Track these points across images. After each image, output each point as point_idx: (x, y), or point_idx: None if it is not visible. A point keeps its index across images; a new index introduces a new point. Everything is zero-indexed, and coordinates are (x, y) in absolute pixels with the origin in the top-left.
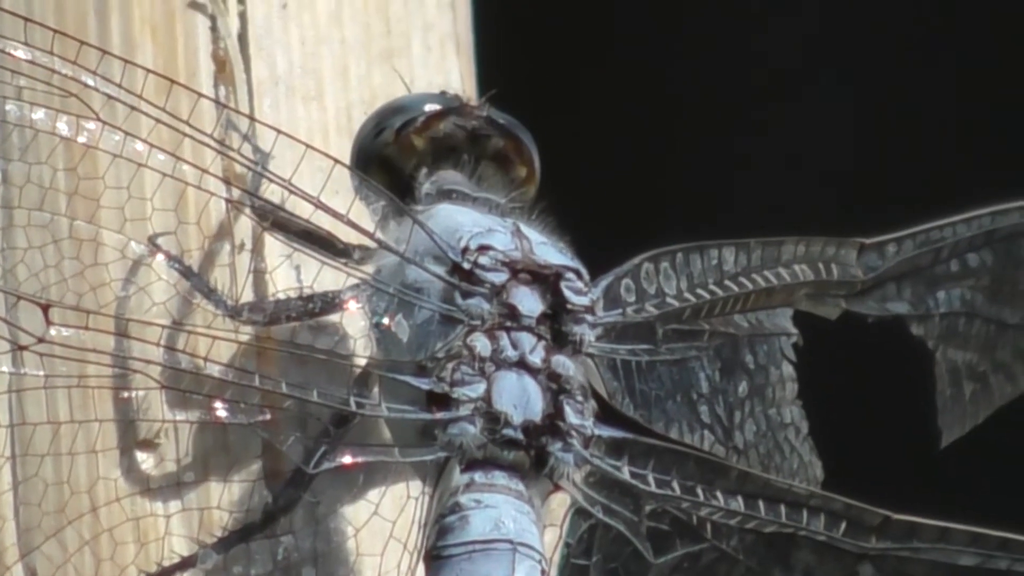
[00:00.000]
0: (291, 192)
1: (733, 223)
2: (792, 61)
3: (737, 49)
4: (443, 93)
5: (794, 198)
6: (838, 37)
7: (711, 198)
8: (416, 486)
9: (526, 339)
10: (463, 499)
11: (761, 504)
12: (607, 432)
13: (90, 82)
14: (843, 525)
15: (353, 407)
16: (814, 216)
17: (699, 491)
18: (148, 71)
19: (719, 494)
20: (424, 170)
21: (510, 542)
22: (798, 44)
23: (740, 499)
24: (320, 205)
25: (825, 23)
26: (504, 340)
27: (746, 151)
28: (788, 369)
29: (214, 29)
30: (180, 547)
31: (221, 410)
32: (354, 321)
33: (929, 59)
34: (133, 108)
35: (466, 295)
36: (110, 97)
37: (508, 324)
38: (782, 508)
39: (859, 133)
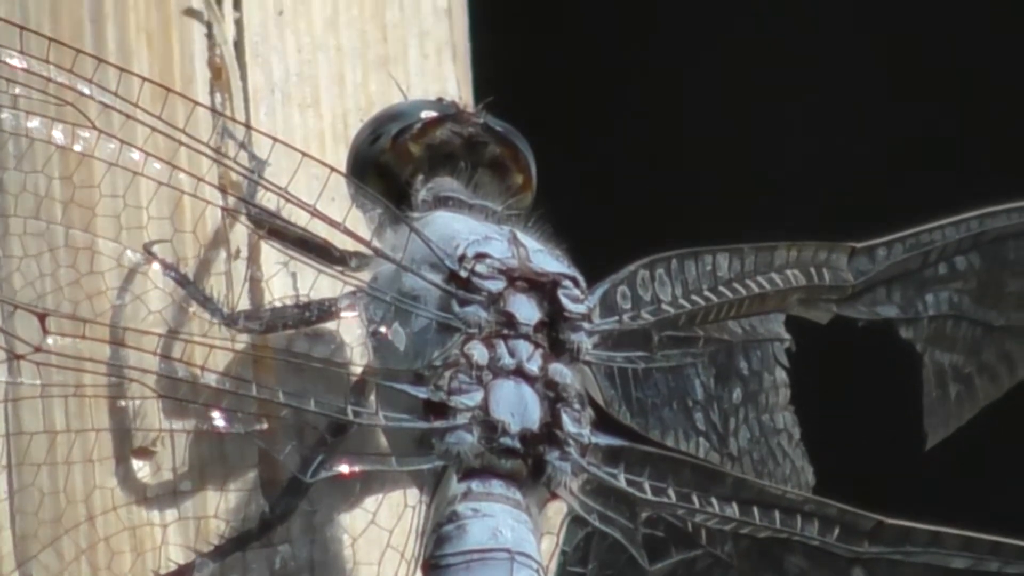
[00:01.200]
0: (287, 200)
1: (729, 229)
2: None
3: (739, 51)
4: (439, 100)
5: (786, 203)
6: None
7: (709, 205)
8: (413, 495)
9: (523, 347)
10: (460, 508)
11: (756, 510)
12: (604, 440)
13: (86, 90)
14: (836, 530)
15: (350, 416)
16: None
17: (694, 498)
18: (144, 79)
19: (714, 501)
20: (420, 177)
21: (508, 551)
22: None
23: (735, 505)
24: (316, 213)
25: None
26: (501, 348)
27: (748, 157)
28: (781, 375)
29: (210, 36)
30: (177, 556)
31: (218, 419)
32: (351, 329)
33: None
34: (129, 116)
35: (463, 303)
36: (106, 106)
37: (505, 332)
38: (776, 514)
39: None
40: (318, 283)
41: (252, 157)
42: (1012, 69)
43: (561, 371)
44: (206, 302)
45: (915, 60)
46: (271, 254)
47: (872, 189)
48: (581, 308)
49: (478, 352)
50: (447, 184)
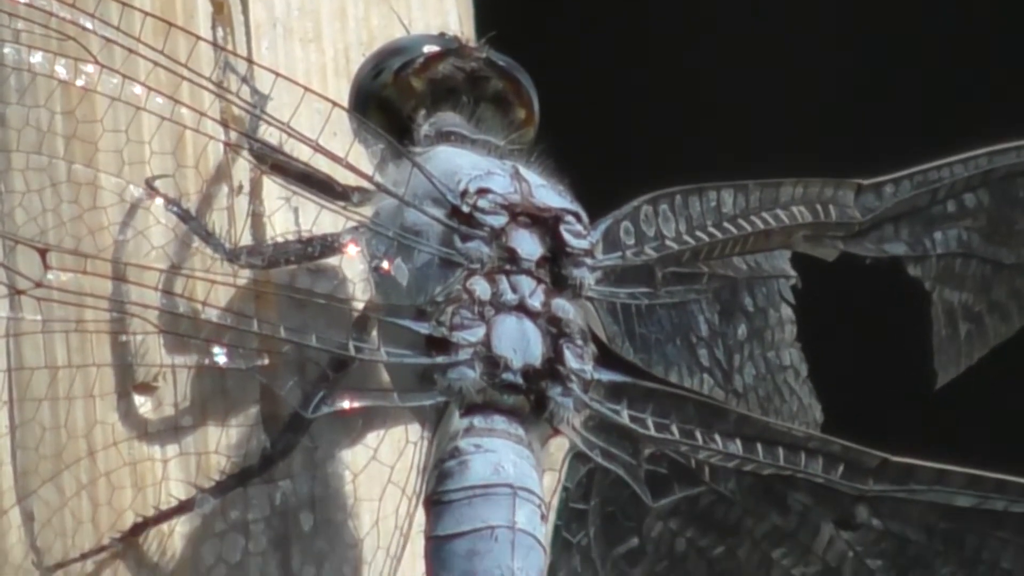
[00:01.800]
0: (289, 135)
1: (732, 165)
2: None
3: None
4: (442, 35)
5: (792, 138)
6: None
7: (710, 140)
8: (415, 431)
9: (525, 282)
10: (463, 444)
11: (759, 447)
12: (606, 376)
13: (88, 25)
14: (841, 467)
15: (352, 351)
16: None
17: (697, 434)
18: (146, 14)
19: (717, 437)
20: (423, 112)
21: (510, 486)
22: None
23: (738, 442)
24: (319, 148)
25: None
26: (503, 284)
27: (749, 89)
28: (787, 311)
29: None
30: (178, 491)
31: (219, 354)
32: (353, 265)
33: None
34: (131, 51)
35: (465, 238)
36: (108, 40)
37: (507, 267)
38: (780, 451)
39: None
40: (320, 218)
41: (254, 92)
42: None
43: (564, 307)
44: (208, 237)
45: None
46: (273, 189)
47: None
48: (584, 244)
49: (480, 287)
50: (449, 119)
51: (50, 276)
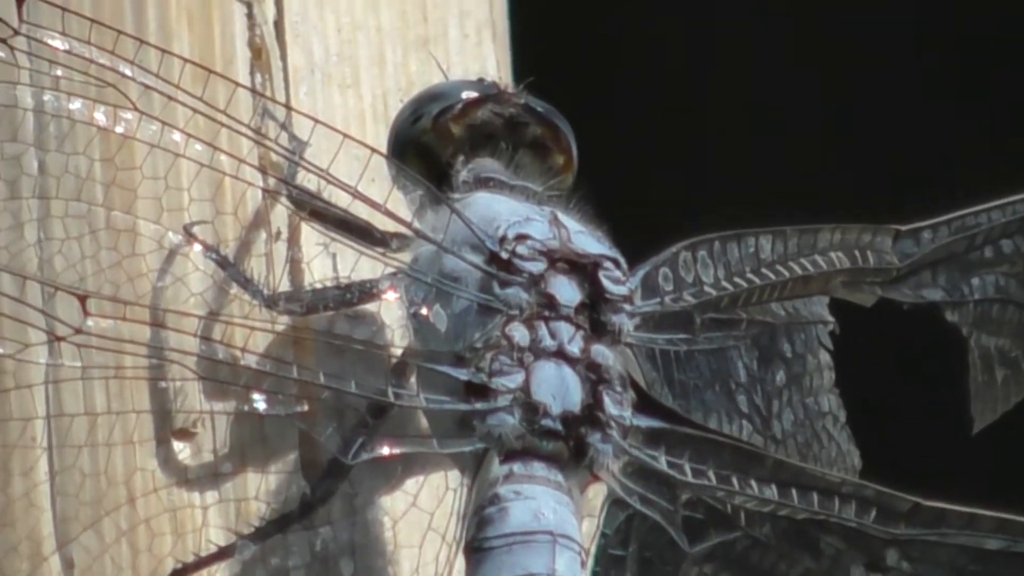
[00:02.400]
0: (328, 181)
1: (772, 211)
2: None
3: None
4: (480, 80)
5: (828, 184)
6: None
7: (750, 187)
8: (455, 477)
9: (564, 329)
10: (502, 490)
11: (794, 492)
12: (645, 422)
13: (127, 72)
14: (873, 512)
15: (391, 397)
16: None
17: (734, 480)
18: (185, 60)
19: (753, 482)
20: (461, 158)
21: (550, 533)
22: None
23: (774, 487)
24: (357, 194)
25: None
26: (542, 330)
27: (785, 139)
28: (825, 357)
29: (250, 16)
30: (217, 538)
31: (258, 401)
32: (391, 311)
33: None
34: (170, 98)
35: (504, 284)
36: (147, 87)
37: (546, 314)
38: (815, 496)
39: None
40: (359, 264)
41: (293, 138)
42: None
43: (603, 353)
44: (247, 284)
45: None
46: (312, 235)
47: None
48: (622, 290)
49: (519, 334)
50: (488, 165)
51: (90, 323)
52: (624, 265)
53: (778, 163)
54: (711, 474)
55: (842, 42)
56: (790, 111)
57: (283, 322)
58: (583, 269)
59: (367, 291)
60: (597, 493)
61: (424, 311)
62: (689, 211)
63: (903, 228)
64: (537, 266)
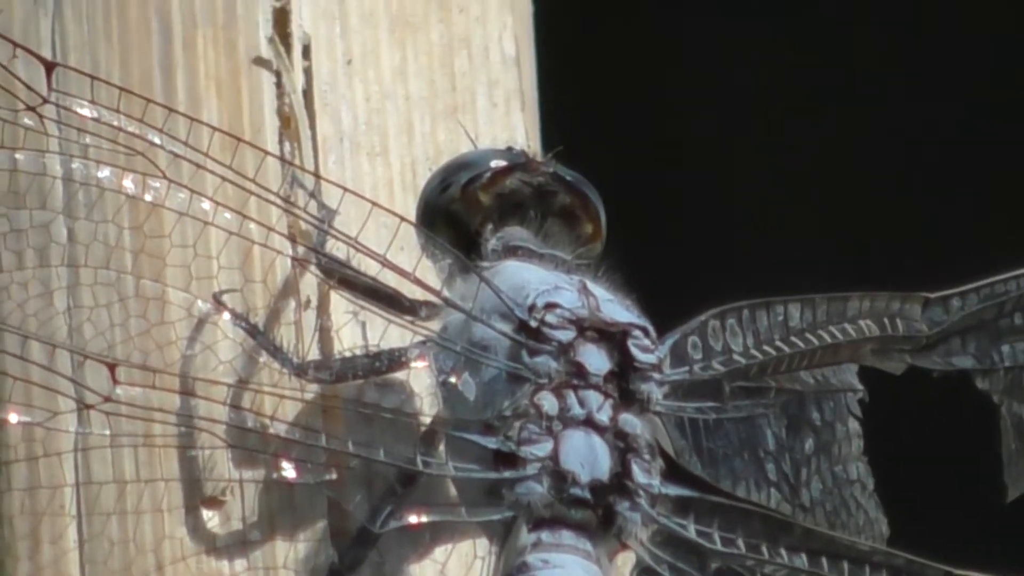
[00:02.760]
0: (357, 249)
1: (800, 279)
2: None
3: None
4: (509, 149)
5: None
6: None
7: (778, 255)
8: (483, 545)
9: (593, 397)
10: (531, 559)
11: (825, 561)
12: (673, 490)
13: (156, 140)
14: None
15: (420, 466)
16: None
17: (764, 548)
18: (214, 129)
19: (783, 551)
20: (490, 226)
21: None
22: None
23: (804, 556)
24: (387, 263)
25: None
26: (571, 398)
27: (814, 210)
28: (854, 425)
29: (279, 85)
30: None
31: (287, 469)
32: (420, 379)
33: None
34: (199, 166)
35: (533, 353)
36: (176, 155)
37: (575, 382)
38: (845, 564)
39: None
40: (388, 333)
41: (321, 206)
42: None
43: (631, 421)
44: (276, 352)
45: None
46: (341, 303)
47: None
48: (651, 358)
49: (548, 402)
50: (517, 233)
51: (119, 391)
52: (653, 333)
53: (806, 229)
54: (740, 542)
55: (879, 116)
56: (818, 176)
57: (312, 390)
58: (612, 338)
59: (396, 359)
60: (626, 561)
61: (453, 379)
62: (719, 278)
63: (932, 296)
64: (566, 335)
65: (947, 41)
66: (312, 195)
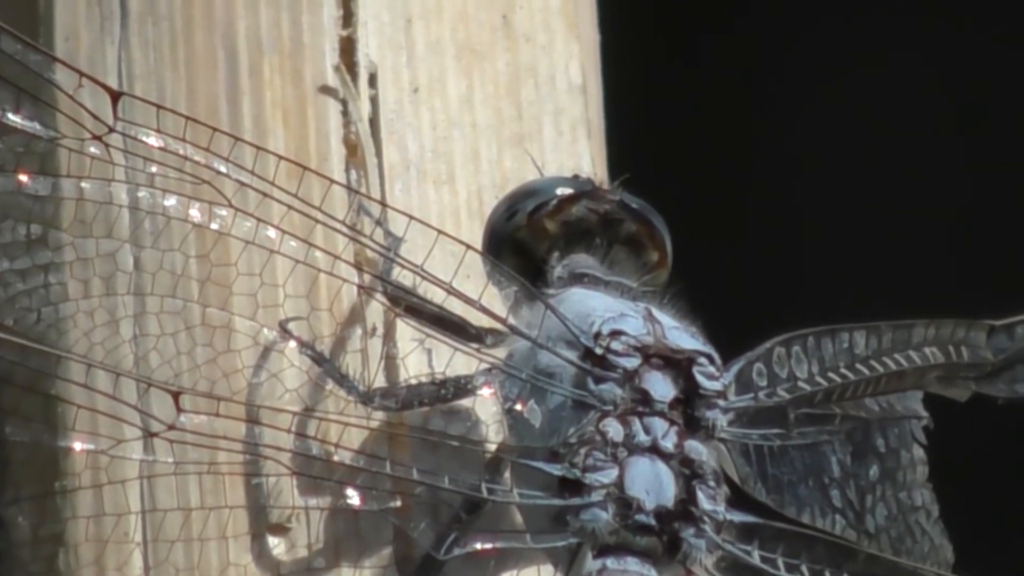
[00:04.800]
0: (423, 278)
1: (864, 306)
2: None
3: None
4: (575, 177)
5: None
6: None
7: (844, 281)
8: (548, 572)
9: (658, 424)
10: None
11: None
12: (738, 517)
13: (222, 169)
14: None
15: (485, 493)
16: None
17: (827, 574)
18: (280, 157)
19: None
20: (556, 253)
21: None
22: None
23: None
24: (452, 291)
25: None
26: (636, 425)
27: (878, 231)
28: (919, 452)
29: (345, 113)
30: None
31: (353, 496)
32: (486, 406)
33: None
34: (265, 195)
35: (599, 380)
36: (242, 184)
37: (640, 409)
38: None
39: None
40: (454, 360)
41: (388, 234)
42: None
43: (696, 448)
44: (342, 380)
45: None
46: (407, 331)
47: None
48: (716, 385)
49: (613, 429)
50: (583, 261)
51: (183, 419)
52: (718, 360)
53: (879, 259)
54: (804, 568)
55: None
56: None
57: (378, 418)
58: (677, 365)
59: (462, 387)
60: None
61: (519, 407)
62: (785, 305)
63: (997, 323)
64: (631, 362)
65: None
66: (378, 223)
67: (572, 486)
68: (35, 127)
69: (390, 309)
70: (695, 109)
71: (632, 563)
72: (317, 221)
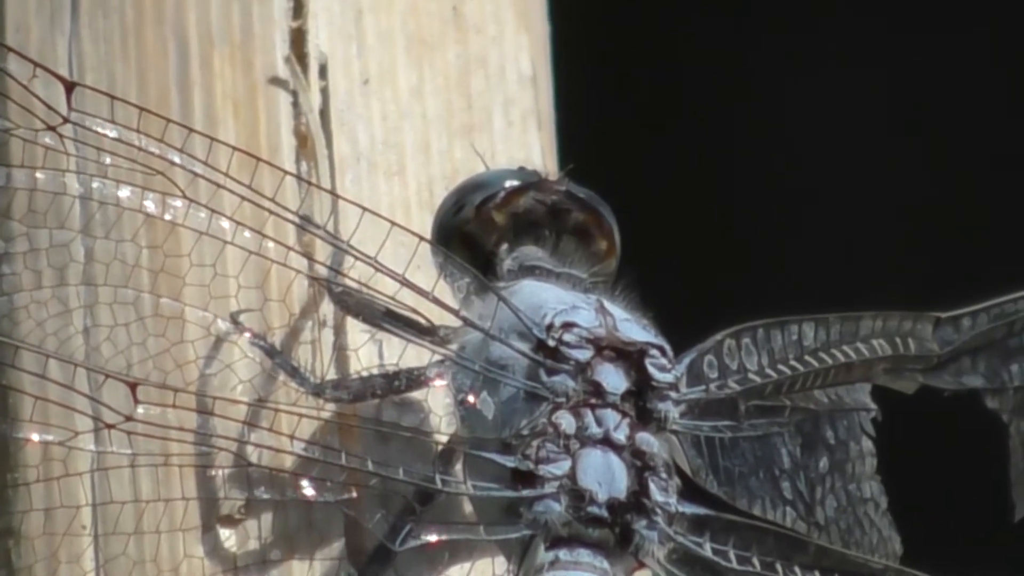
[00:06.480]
0: (376, 269)
1: (817, 294)
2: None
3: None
4: (521, 169)
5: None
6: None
7: (794, 270)
8: (501, 563)
9: (611, 416)
10: None
11: None
12: (690, 509)
13: (176, 159)
14: None
15: (438, 484)
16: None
17: (778, 567)
18: (233, 148)
19: (797, 569)
20: (505, 246)
21: None
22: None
23: (818, 574)
24: (405, 282)
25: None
26: (589, 417)
27: (829, 223)
28: (867, 444)
29: (296, 105)
30: None
31: (306, 488)
32: (438, 398)
33: None
34: (218, 186)
35: (551, 372)
36: (195, 174)
37: (593, 401)
38: None
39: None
40: (406, 352)
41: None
42: None
43: (648, 440)
44: (294, 372)
45: None
46: (358, 323)
47: None
48: (668, 377)
49: (566, 421)
50: (532, 252)
51: (140, 410)
52: (670, 352)
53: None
54: (755, 561)
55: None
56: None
57: (330, 409)
58: (629, 357)
59: (414, 378)
60: None
61: (471, 398)
62: (735, 295)
63: (943, 315)
64: (584, 354)
65: None
66: (330, 214)
67: (525, 478)
68: None
69: (340, 311)
70: (650, 101)
71: (584, 555)
72: (269, 212)
